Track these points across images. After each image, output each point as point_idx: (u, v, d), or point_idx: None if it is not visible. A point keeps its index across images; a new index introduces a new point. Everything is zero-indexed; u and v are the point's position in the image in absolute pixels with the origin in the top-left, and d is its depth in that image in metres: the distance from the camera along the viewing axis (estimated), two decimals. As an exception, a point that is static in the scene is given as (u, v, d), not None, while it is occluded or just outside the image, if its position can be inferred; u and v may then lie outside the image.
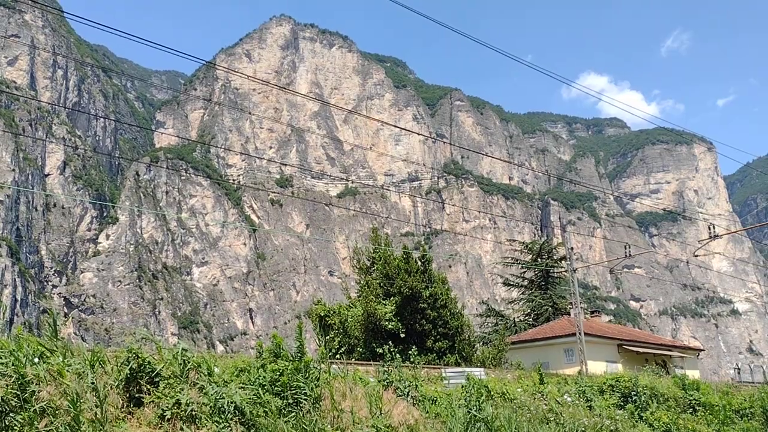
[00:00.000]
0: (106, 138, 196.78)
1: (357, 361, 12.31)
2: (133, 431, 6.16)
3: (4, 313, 7.52)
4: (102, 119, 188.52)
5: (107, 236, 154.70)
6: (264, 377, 7.39)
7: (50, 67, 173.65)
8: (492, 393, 10.21)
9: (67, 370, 6.28)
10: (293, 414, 7.13)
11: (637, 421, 12.13)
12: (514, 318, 38.76)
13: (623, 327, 43.30)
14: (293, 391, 7.35)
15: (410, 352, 10.43)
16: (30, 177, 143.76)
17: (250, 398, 6.90)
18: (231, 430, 6.45)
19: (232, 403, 6.60)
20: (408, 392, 8.94)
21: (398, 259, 21.93)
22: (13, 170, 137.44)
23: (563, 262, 38.47)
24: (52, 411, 5.76)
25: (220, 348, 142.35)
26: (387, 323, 19.98)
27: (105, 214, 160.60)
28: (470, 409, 8.86)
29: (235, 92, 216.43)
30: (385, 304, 20.70)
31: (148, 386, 6.45)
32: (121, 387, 6.36)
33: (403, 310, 20.56)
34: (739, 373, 50.73)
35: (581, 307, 27.14)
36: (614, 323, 56.50)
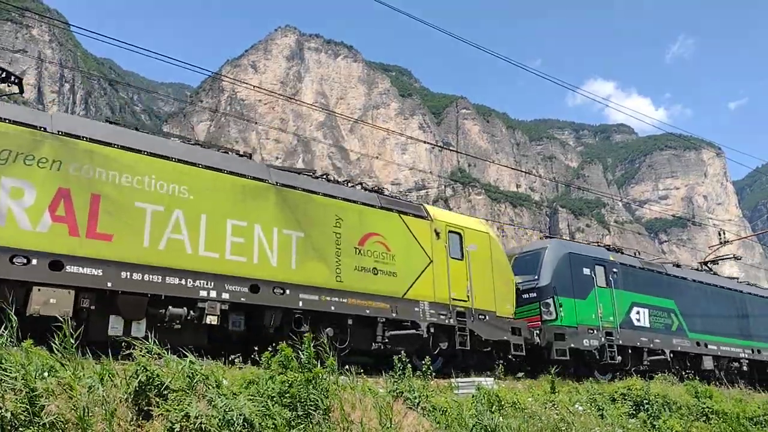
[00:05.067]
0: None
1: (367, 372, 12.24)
2: (143, 445, 6.15)
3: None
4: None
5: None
6: (273, 389, 7.35)
7: (57, 81, 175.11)
8: (503, 403, 10.13)
9: (78, 384, 6.28)
10: (303, 426, 7.09)
11: (649, 430, 12.02)
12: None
13: None
14: (303, 403, 7.31)
15: (423, 361, 10.39)
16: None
17: (259, 410, 6.87)
18: (240, 442, 6.41)
19: (241, 415, 6.58)
20: (418, 403, 8.88)
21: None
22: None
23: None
24: (62, 425, 5.76)
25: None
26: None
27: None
28: (480, 419, 8.79)
29: (241, 103, 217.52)
30: (395, 314, 20.68)
31: (157, 399, 6.44)
32: (130, 400, 6.35)
33: (413, 319, 20.62)
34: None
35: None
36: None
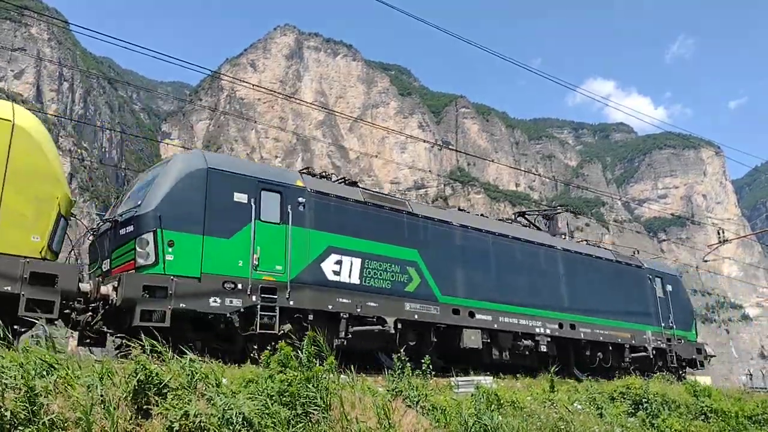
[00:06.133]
0: (112, 150, 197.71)
1: (366, 371, 12.25)
2: (143, 443, 6.16)
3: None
4: (108, 131, 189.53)
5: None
6: (272, 388, 7.35)
7: (56, 79, 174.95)
8: (502, 401, 10.14)
9: (76, 383, 6.28)
10: (302, 425, 7.09)
11: (648, 429, 12.03)
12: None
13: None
14: (302, 402, 7.31)
15: (422, 360, 10.36)
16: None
17: (258, 409, 6.87)
18: (240, 441, 6.42)
19: (240, 414, 6.58)
20: (417, 401, 8.88)
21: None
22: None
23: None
24: (62, 424, 5.76)
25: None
26: (396, 332, 19.79)
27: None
28: (480, 418, 8.79)
29: (240, 102, 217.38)
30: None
31: (156, 398, 6.44)
32: (129, 399, 6.35)
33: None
34: (751, 378, 50.34)
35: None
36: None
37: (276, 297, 11.61)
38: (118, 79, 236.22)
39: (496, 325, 15.33)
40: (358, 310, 12.87)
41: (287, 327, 11.64)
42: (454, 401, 9.49)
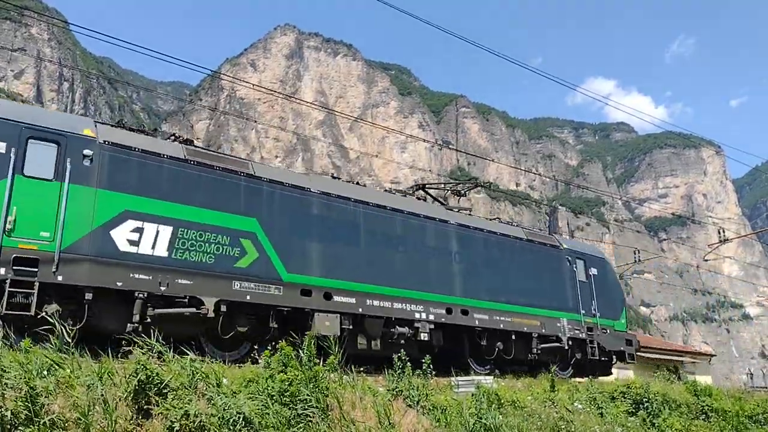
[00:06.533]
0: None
1: (366, 371, 12.26)
2: (143, 443, 6.16)
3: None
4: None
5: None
6: (273, 387, 7.37)
7: (56, 79, 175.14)
8: (502, 401, 10.14)
9: (77, 383, 6.29)
10: (302, 424, 7.10)
11: (649, 428, 12.04)
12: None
13: (634, 333, 42.95)
14: (302, 402, 7.32)
15: (423, 360, 10.37)
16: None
17: (258, 409, 6.89)
18: (240, 441, 6.43)
19: (240, 413, 6.59)
20: (418, 401, 8.89)
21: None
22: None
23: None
24: (62, 424, 5.77)
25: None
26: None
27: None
28: (480, 418, 8.80)
29: (240, 102, 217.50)
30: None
31: (157, 398, 6.45)
32: (129, 399, 6.36)
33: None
34: (751, 378, 50.37)
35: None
36: (624, 329, 55.83)
37: (36, 270, 9.43)
38: (118, 79, 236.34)
39: (361, 309, 13.02)
40: (163, 288, 10.58)
41: (53, 308, 9.44)
42: (454, 401, 9.50)
